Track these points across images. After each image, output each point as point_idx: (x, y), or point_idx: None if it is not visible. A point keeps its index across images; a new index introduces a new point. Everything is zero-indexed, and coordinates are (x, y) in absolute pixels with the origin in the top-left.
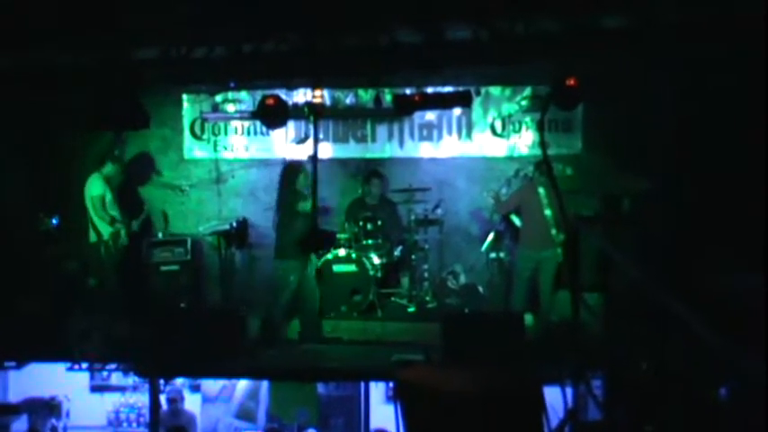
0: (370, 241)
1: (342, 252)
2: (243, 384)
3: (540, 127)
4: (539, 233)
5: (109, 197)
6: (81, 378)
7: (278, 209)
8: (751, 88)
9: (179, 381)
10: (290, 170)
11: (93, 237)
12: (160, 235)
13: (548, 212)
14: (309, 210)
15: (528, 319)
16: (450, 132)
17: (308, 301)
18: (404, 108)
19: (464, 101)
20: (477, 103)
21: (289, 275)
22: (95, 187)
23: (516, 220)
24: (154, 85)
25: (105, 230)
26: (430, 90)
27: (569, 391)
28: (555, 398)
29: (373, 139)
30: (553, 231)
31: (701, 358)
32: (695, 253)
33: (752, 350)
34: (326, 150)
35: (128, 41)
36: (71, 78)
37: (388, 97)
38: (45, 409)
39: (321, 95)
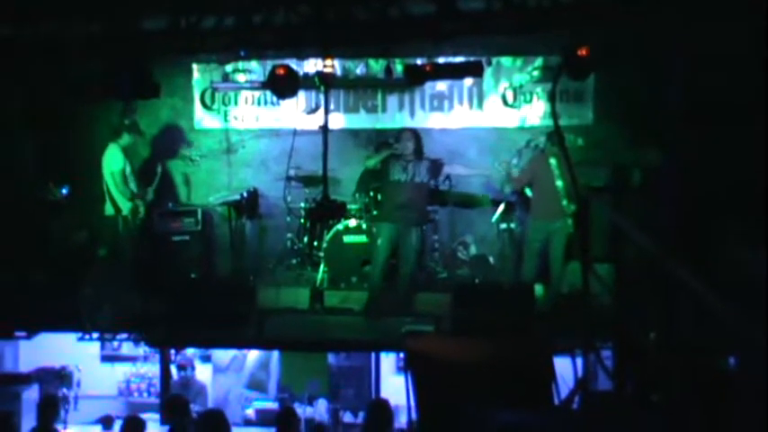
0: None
1: (352, 223)
2: (254, 355)
3: (551, 97)
4: (550, 204)
5: (128, 170)
6: (92, 348)
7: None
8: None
9: (189, 351)
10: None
11: (110, 209)
12: (171, 205)
13: (559, 183)
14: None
15: (538, 289)
16: (461, 103)
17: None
18: (415, 78)
19: (475, 71)
20: (488, 73)
21: (377, 239)
22: (116, 161)
23: (528, 191)
24: (163, 54)
25: (125, 206)
26: (441, 60)
27: (579, 361)
28: (565, 368)
29: (384, 110)
30: (564, 202)
31: (709, 328)
32: (706, 224)
33: (755, 320)
34: (337, 120)
35: (137, 11)
36: (80, 48)
37: (398, 67)
38: (56, 378)
39: (332, 65)
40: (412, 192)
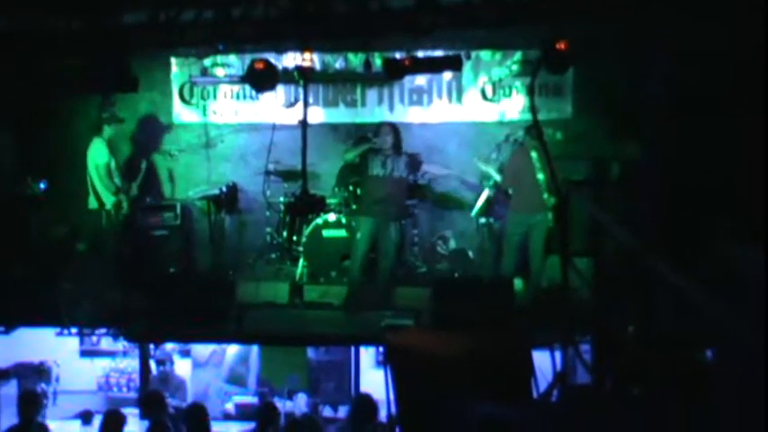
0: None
1: (332, 217)
2: (233, 349)
3: (530, 91)
4: (531, 197)
5: (113, 164)
6: (70, 343)
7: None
8: (744, 52)
9: (169, 346)
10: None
11: (93, 203)
12: (148, 200)
13: (540, 176)
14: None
15: (518, 283)
16: (440, 97)
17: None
18: (394, 72)
19: (454, 65)
20: (467, 67)
21: (356, 233)
22: (100, 155)
23: None
24: (142, 48)
25: (109, 200)
26: (420, 54)
27: (558, 355)
28: (544, 362)
29: (363, 104)
30: (545, 196)
31: (687, 321)
32: (685, 218)
33: (740, 314)
34: (316, 115)
35: (117, 4)
36: (58, 42)
37: (378, 61)
38: (34, 374)
39: (311, 59)
40: (391, 186)
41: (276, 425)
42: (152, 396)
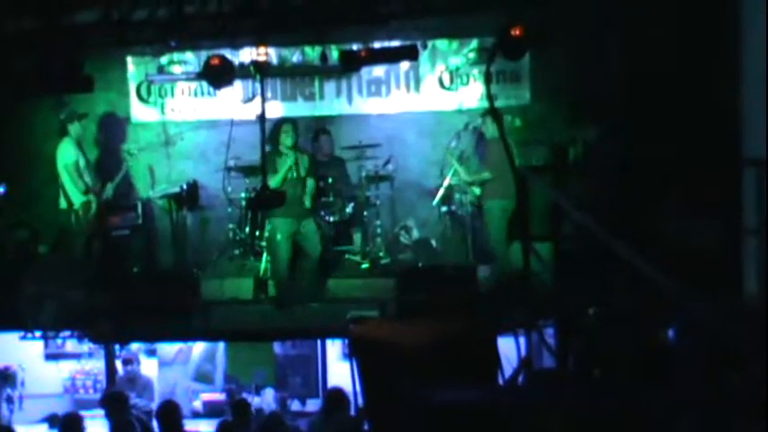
0: (321, 199)
1: None
2: (199, 347)
3: (486, 78)
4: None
5: (82, 162)
6: (35, 346)
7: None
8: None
9: (134, 345)
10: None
11: (63, 203)
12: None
13: None
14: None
15: (482, 270)
16: (398, 87)
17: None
18: (350, 64)
19: (411, 55)
20: (424, 57)
21: (275, 234)
22: (68, 154)
23: (486, 174)
24: (96, 47)
25: (77, 199)
26: (376, 45)
27: (523, 340)
28: (509, 347)
29: (321, 97)
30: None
31: (648, 301)
32: (642, 199)
33: (698, 292)
34: (275, 109)
35: (68, 3)
36: (10, 44)
37: (334, 54)
38: None
39: (266, 53)
40: (293, 187)
41: (248, 420)
42: (113, 396)
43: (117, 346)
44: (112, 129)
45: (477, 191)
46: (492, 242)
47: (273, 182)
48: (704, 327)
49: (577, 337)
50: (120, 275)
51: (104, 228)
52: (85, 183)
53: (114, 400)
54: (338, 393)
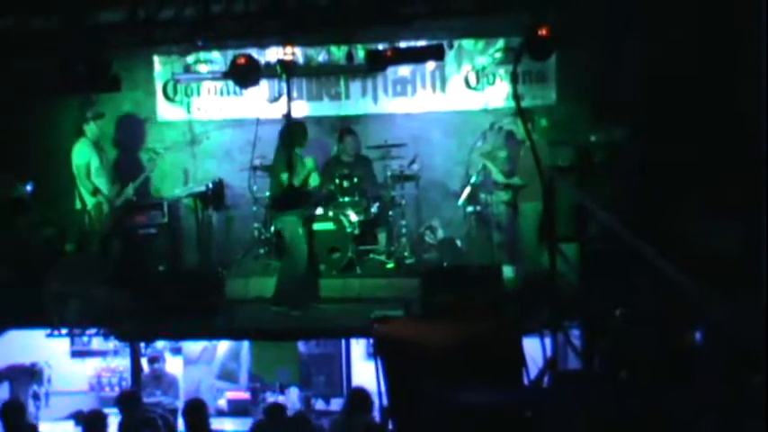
0: (346, 199)
1: (319, 210)
2: (224, 345)
3: (513, 78)
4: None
5: (95, 164)
6: (61, 344)
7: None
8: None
9: (160, 344)
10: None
11: (78, 204)
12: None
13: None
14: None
15: (507, 270)
16: (424, 87)
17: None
18: (376, 63)
19: (437, 54)
20: (450, 56)
21: (297, 229)
22: (81, 155)
23: (517, 180)
24: (123, 47)
25: (89, 201)
26: (402, 45)
27: (548, 341)
28: (534, 348)
29: (347, 96)
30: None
31: (674, 303)
32: (663, 200)
33: (724, 295)
34: (301, 108)
35: (94, 3)
36: (36, 42)
37: (360, 53)
38: (26, 375)
39: (293, 53)
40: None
41: (282, 423)
42: (125, 394)
43: (142, 344)
44: (131, 129)
45: (504, 196)
46: (524, 243)
47: (296, 181)
48: (724, 329)
49: (603, 338)
50: (142, 274)
51: (124, 227)
52: (93, 184)
53: (127, 398)
54: (360, 393)
